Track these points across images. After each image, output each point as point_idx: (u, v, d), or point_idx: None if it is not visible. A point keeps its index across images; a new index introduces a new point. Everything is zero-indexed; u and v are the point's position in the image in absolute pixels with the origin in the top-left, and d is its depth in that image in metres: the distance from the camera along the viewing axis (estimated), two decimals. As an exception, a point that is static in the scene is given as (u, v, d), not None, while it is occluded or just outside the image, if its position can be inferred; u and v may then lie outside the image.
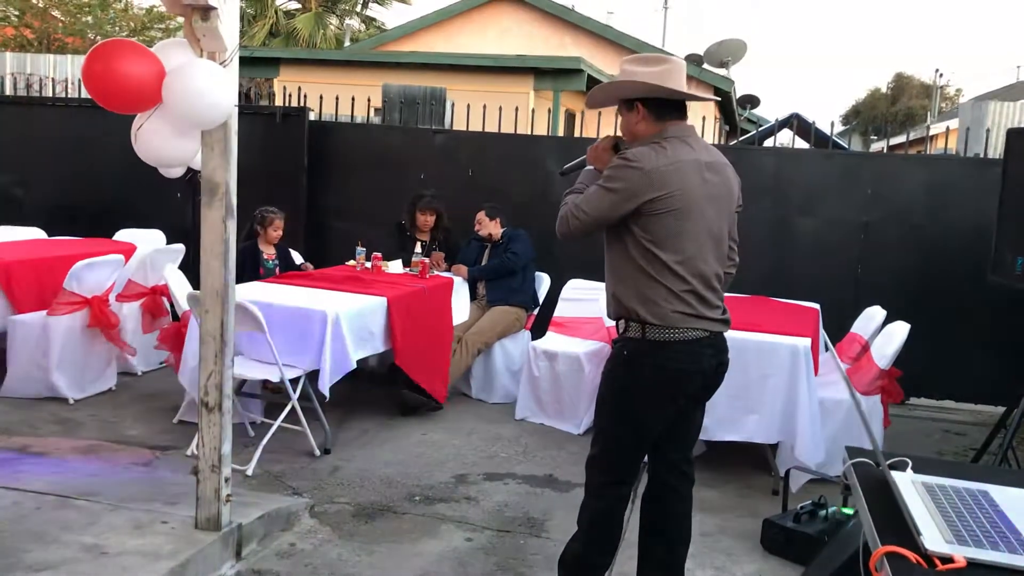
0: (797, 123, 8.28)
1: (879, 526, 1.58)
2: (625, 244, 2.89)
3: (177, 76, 3.05)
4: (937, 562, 1.45)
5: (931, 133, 9.46)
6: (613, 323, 3.06)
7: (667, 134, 2.90)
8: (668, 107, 2.94)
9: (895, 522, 1.59)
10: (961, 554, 1.45)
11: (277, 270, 6.02)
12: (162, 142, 3.22)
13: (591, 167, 3.10)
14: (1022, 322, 5.82)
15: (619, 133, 3.11)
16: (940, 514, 1.62)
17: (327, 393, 4.72)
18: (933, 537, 1.51)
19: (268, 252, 6.06)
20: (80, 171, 7.73)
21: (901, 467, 1.85)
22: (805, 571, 3.13)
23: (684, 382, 2.92)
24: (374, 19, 24.81)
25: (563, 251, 6.76)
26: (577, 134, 13.29)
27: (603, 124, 6.69)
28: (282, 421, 4.66)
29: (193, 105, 3.06)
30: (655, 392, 2.92)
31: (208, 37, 3.15)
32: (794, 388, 4.52)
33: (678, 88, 2.92)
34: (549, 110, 10.68)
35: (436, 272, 6.16)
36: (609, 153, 3.03)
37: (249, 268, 5.80)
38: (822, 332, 2.52)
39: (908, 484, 1.75)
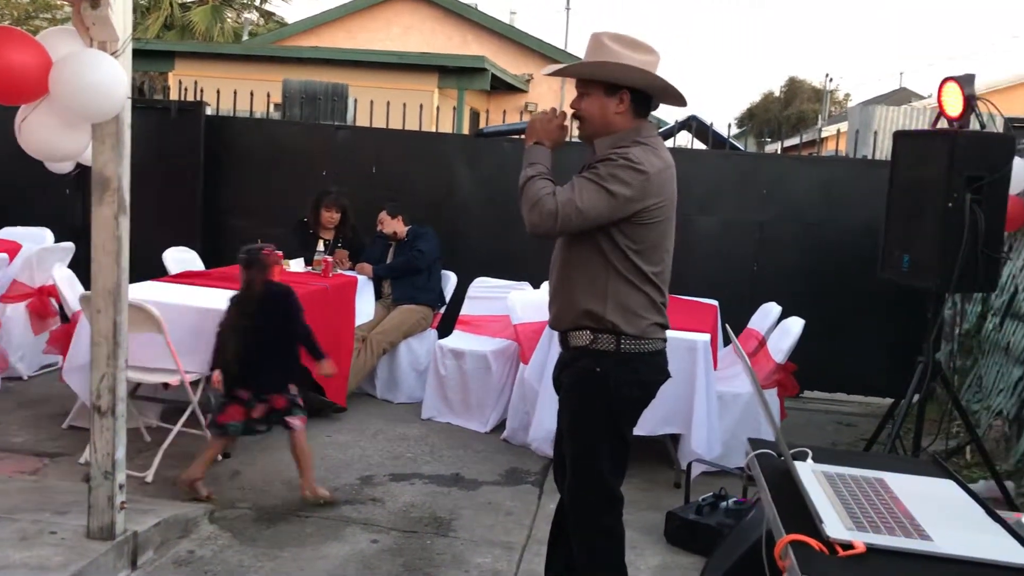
0: (695, 125, 8.47)
1: (783, 515, 1.62)
2: (601, 251, 2.69)
3: (65, 66, 2.92)
4: (838, 548, 1.49)
5: (822, 136, 9.81)
6: (556, 332, 2.87)
7: (647, 133, 2.74)
8: (647, 104, 2.77)
9: (798, 511, 1.64)
10: (861, 540, 1.50)
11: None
12: (49, 135, 3.08)
13: (540, 144, 2.77)
14: (909, 317, 6.07)
15: (567, 110, 2.84)
16: (840, 502, 1.67)
17: None
18: (834, 525, 1.55)
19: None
20: (-42, 166, 7.32)
21: (802, 457, 1.91)
22: (707, 562, 3.19)
23: (653, 391, 2.84)
24: (273, 13, 24.29)
25: (469, 249, 6.76)
26: (481, 133, 13.27)
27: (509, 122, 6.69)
28: (181, 425, 4.51)
29: (82, 97, 2.94)
30: (635, 405, 2.82)
31: (98, 26, 3.02)
32: (691, 382, 4.62)
33: (672, 85, 2.71)
34: (454, 108, 10.65)
35: (340, 271, 6.06)
36: (563, 131, 2.80)
37: None
38: (726, 326, 2.57)
39: (809, 473, 1.80)
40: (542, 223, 2.61)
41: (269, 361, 4.13)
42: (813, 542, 1.48)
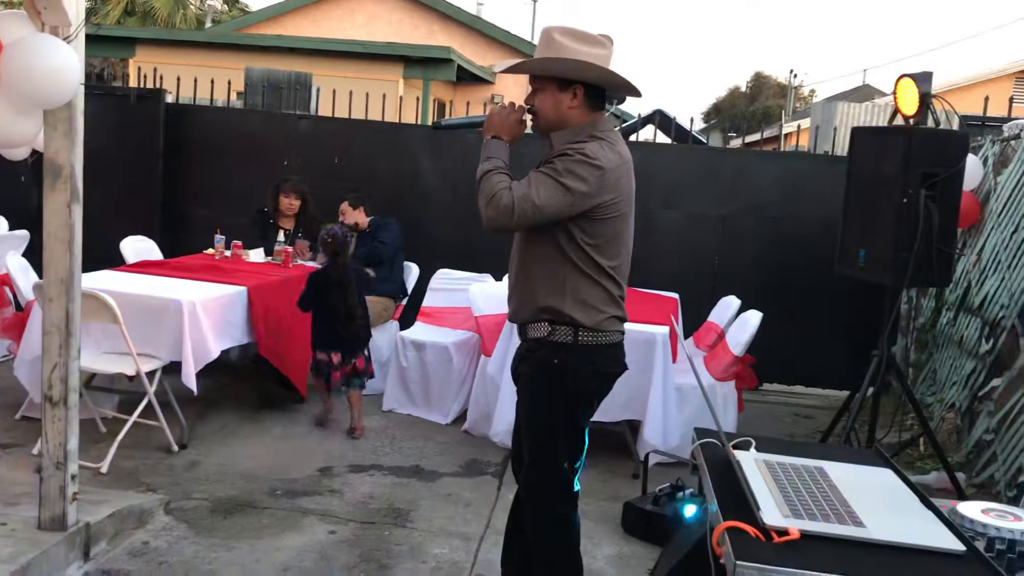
0: (660, 119, 8.51)
1: (722, 503, 1.65)
2: (559, 245, 2.71)
3: (15, 51, 2.87)
4: (774, 535, 1.52)
5: (784, 132, 9.90)
6: (515, 324, 2.89)
7: (603, 127, 2.74)
8: (602, 97, 2.77)
9: (738, 499, 1.67)
10: (796, 527, 1.53)
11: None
12: (-1, 121, 3.03)
13: (498, 139, 2.77)
14: (866, 311, 6.16)
15: (524, 105, 2.83)
16: (779, 489, 1.71)
17: (194, 387, 4.56)
18: (771, 511, 1.58)
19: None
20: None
21: (745, 446, 1.94)
22: (662, 551, 3.23)
23: (610, 383, 2.87)
24: (237, 0, 24.02)
25: (431, 240, 6.75)
26: (447, 124, 13.24)
27: (473, 113, 6.69)
28: (137, 416, 4.47)
29: (33, 83, 2.89)
30: (592, 397, 2.84)
31: (50, 10, 2.98)
32: (649, 374, 4.66)
33: (624, 78, 2.71)
34: (418, 99, 10.62)
35: (300, 261, 6.02)
36: (521, 126, 2.80)
37: None
38: (679, 323, 2.59)
39: (751, 462, 1.83)
40: (498, 217, 2.61)
41: (355, 328, 4.98)
42: (749, 528, 1.51)
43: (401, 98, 8.04)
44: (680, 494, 4.03)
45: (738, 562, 1.44)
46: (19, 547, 3.10)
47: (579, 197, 2.61)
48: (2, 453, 4.35)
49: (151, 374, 4.47)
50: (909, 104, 4.66)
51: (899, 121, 4.78)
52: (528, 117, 2.83)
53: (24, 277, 4.90)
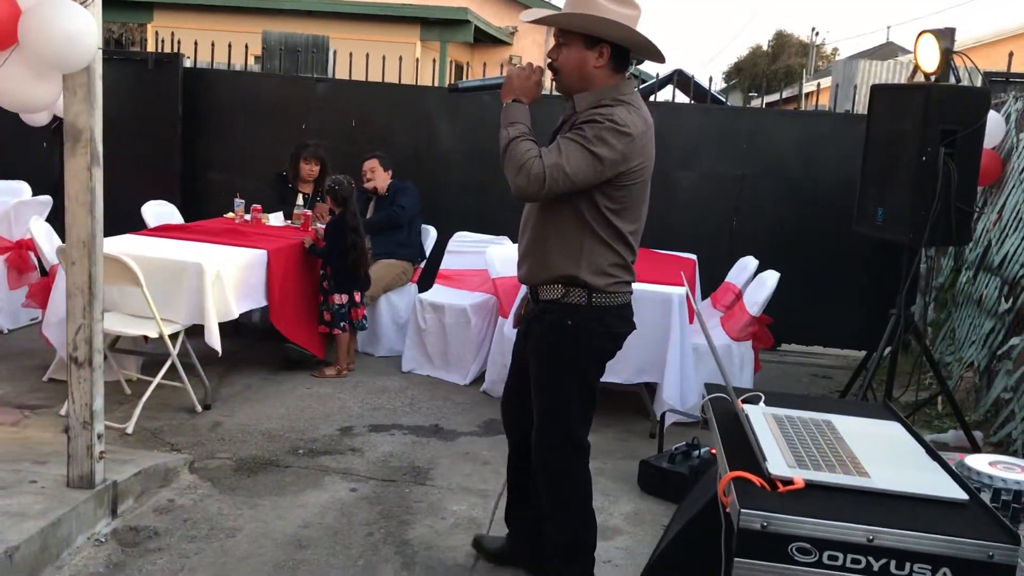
0: (678, 79, 8.44)
1: (729, 455, 1.68)
2: (578, 209, 2.68)
3: (33, 15, 2.91)
4: (779, 484, 1.55)
5: (805, 91, 9.79)
6: (526, 287, 2.90)
7: (626, 90, 2.71)
8: (625, 60, 2.73)
9: (745, 451, 1.69)
10: (801, 476, 1.56)
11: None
12: (19, 86, 3.07)
13: (519, 102, 2.73)
14: (884, 271, 6.14)
15: (541, 66, 2.79)
16: (786, 441, 1.73)
17: (218, 348, 4.64)
18: (776, 462, 1.61)
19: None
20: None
21: (755, 401, 1.96)
22: (677, 508, 3.27)
23: (621, 342, 2.89)
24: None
25: (449, 203, 6.77)
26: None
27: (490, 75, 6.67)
28: (161, 378, 4.55)
29: (52, 47, 2.92)
30: (604, 357, 2.87)
31: (67, -25, 2.99)
32: (666, 335, 4.68)
33: (652, 42, 2.67)
34: (435, 61, 10.58)
35: (319, 225, 6.06)
36: (541, 87, 2.76)
37: None
38: (697, 283, 2.60)
39: (759, 416, 1.86)
40: (529, 187, 2.57)
41: (368, 267, 5.56)
42: (755, 478, 1.54)
43: (418, 60, 8.02)
44: (695, 452, 4.08)
45: (743, 510, 1.47)
46: (50, 504, 3.19)
47: (609, 165, 2.59)
48: (31, 414, 4.45)
49: (174, 336, 4.54)
50: (930, 61, 4.60)
51: (919, 79, 4.73)
52: (548, 76, 2.80)
53: (48, 242, 4.97)
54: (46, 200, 6.10)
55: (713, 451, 4.02)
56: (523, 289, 3.08)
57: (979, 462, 1.79)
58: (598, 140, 2.56)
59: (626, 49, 2.73)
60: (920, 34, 4.62)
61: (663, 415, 4.56)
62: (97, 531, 3.32)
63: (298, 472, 4.04)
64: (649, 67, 13.41)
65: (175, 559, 3.20)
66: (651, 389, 4.91)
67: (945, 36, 4.62)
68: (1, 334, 5.78)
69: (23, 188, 6.49)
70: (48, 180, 6.62)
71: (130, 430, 4.29)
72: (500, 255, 5.48)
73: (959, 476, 1.67)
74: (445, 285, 6.09)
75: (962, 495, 1.58)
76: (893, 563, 1.47)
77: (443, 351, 5.65)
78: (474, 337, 5.56)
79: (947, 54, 4.57)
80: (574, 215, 2.70)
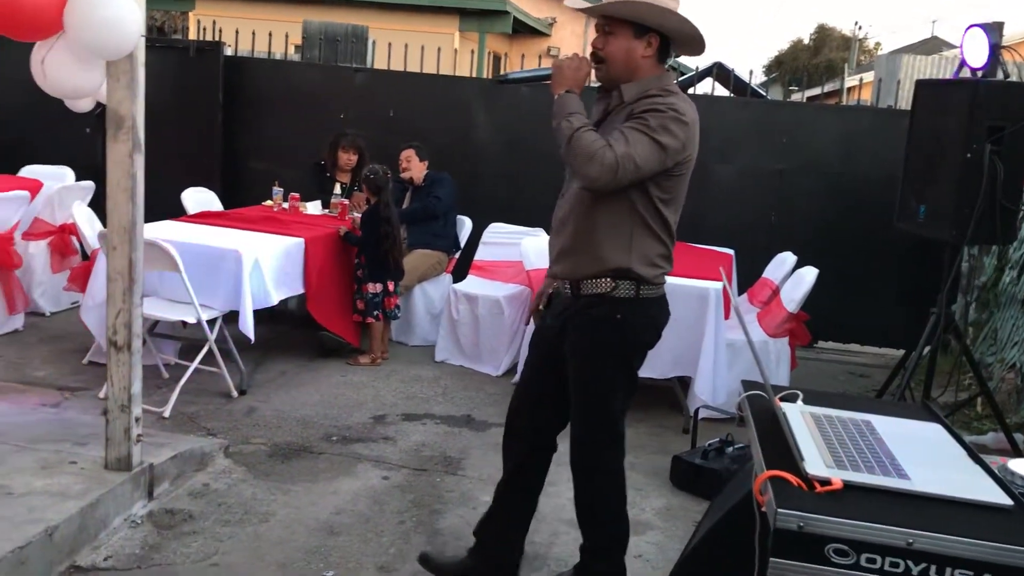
0: (718, 72, 8.36)
1: (767, 453, 1.66)
2: (630, 200, 2.64)
3: (79, 3, 2.93)
4: (816, 484, 1.53)
5: (847, 85, 9.65)
6: (565, 280, 2.81)
7: (670, 81, 2.69)
8: (668, 51, 2.71)
9: (782, 450, 1.67)
10: (839, 477, 1.53)
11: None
12: (64, 73, 3.11)
13: (572, 92, 2.67)
14: (924, 269, 6.04)
15: (587, 54, 2.75)
16: (824, 441, 1.71)
17: (252, 335, 4.68)
18: (814, 462, 1.59)
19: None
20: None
21: (792, 399, 1.93)
22: (710, 504, 3.24)
23: (662, 333, 2.86)
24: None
25: (484, 194, 6.76)
26: (503, 78, 13.18)
27: (528, 67, 6.65)
28: (198, 363, 4.60)
29: (96, 33, 2.96)
30: (647, 347, 2.86)
31: (111, -38, 3.02)
32: (701, 330, 4.65)
33: (700, 33, 2.65)
34: (473, 51, 10.58)
35: (356, 214, 6.09)
36: (589, 78, 2.71)
37: None
38: (734, 278, 2.58)
39: (797, 414, 1.83)
40: (601, 177, 2.52)
41: (399, 259, 5.55)
42: (792, 478, 1.52)
43: (456, 51, 8.02)
44: (729, 449, 4.05)
45: (779, 510, 1.45)
46: (88, 484, 3.24)
47: (671, 154, 2.57)
48: (71, 396, 4.52)
49: (211, 322, 4.58)
50: (977, 56, 4.52)
51: (966, 74, 4.65)
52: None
53: (89, 226, 5.04)
54: (89, 186, 6.18)
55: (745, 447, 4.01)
56: (543, 285, 3.05)
57: (1023, 466, 1.75)
58: (662, 129, 2.54)
59: (669, 39, 2.70)
60: (968, 28, 4.54)
61: (696, 411, 4.53)
62: (133, 513, 3.36)
63: (331, 459, 4.07)
64: (687, 60, 13.29)
65: (209, 542, 3.24)
66: (684, 384, 4.88)
67: (994, 30, 4.54)
68: (43, 317, 5.88)
69: (66, 173, 6.58)
70: (91, 166, 6.70)
71: (167, 414, 4.35)
72: (535, 247, 5.47)
73: (1002, 480, 1.64)
74: (479, 276, 6.10)
75: (1007, 500, 1.55)
76: (933, 568, 1.44)
77: (476, 342, 5.66)
78: (507, 328, 5.56)
79: (996, 49, 4.49)
80: (627, 206, 2.66)
